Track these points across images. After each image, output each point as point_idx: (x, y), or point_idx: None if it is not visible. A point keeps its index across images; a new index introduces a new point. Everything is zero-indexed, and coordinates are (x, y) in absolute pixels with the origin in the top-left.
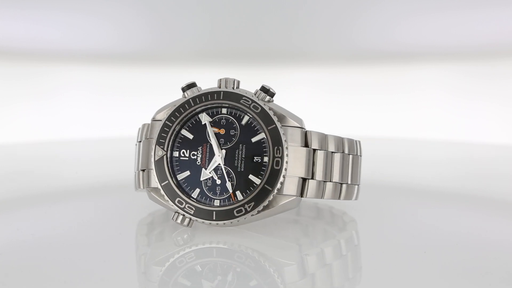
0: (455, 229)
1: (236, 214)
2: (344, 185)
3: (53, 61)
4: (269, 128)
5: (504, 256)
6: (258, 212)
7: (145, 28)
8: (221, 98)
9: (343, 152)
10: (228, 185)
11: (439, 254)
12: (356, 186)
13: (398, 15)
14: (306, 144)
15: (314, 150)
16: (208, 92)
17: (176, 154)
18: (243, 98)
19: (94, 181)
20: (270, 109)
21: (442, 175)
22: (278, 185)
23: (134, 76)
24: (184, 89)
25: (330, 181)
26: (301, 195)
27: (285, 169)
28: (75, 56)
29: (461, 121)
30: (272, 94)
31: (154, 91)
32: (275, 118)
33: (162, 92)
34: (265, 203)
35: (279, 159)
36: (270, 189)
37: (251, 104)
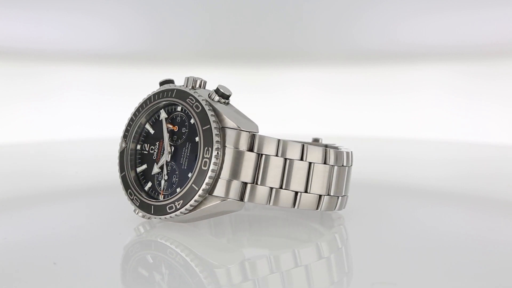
0: (454, 229)
1: (168, 211)
2: (307, 195)
3: (53, 61)
4: (203, 128)
5: (504, 256)
6: (189, 210)
7: (145, 28)
8: (173, 96)
9: (302, 159)
10: (168, 182)
11: (438, 254)
12: (335, 198)
13: (398, 15)
14: (250, 148)
15: (259, 154)
16: (166, 89)
17: (139, 147)
18: (189, 97)
19: (94, 181)
20: (212, 110)
21: (442, 175)
22: (204, 186)
23: (134, 76)
24: (160, 84)
25: (278, 188)
26: (242, 199)
27: (213, 170)
28: (75, 56)
29: (461, 121)
30: (224, 96)
31: None
32: (212, 119)
33: None
34: (192, 202)
35: (207, 160)
36: (196, 189)
37: (194, 104)
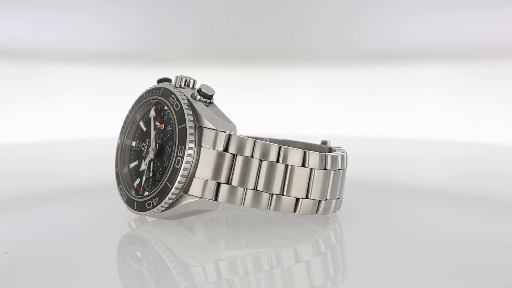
0: (454, 229)
1: (147, 207)
2: (284, 197)
3: (53, 61)
4: (179, 127)
5: (503, 256)
6: (165, 208)
7: (145, 28)
8: (159, 94)
9: (278, 161)
10: (152, 179)
11: (437, 254)
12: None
13: (398, 15)
14: (226, 149)
15: (234, 155)
16: (155, 87)
17: (133, 144)
18: (171, 96)
19: (94, 181)
20: (190, 109)
21: (442, 175)
22: (177, 184)
23: (134, 76)
24: (157, 82)
25: (253, 189)
26: (216, 198)
27: (185, 169)
28: (75, 56)
29: (461, 121)
30: (206, 95)
31: None
32: (188, 118)
33: None
34: (167, 200)
35: (180, 158)
36: (170, 186)
37: (174, 102)
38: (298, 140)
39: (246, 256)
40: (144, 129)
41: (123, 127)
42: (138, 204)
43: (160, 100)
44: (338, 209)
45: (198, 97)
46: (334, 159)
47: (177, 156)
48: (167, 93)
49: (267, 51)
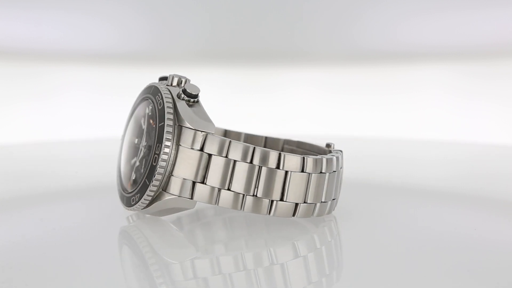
0: (454, 229)
1: (132, 203)
2: (264, 200)
3: (53, 61)
4: (159, 125)
5: (504, 257)
6: (146, 204)
7: (145, 28)
8: (150, 92)
9: (251, 163)
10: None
11: (437, 254)
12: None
13: (398, 15)
14: (202, 148)
15: (210, 155)
16: (150, 85)
17: (136, 141)
18: (157, 94)
19: (94, 181)
20: (173, 108)
21: (442, 175)
22: (154, 181)
23: (134, 76)
24: (159, 79)
25: (228, 190)
26: (192, 197)
27: (161, 167)
28: (75, 56)
29: (461, 121)
30: (192, 95)
31: None
32: (167, 116)
33: None
34: (146, 196)
35: (157, 156)
36: (148, 183)
37: (159, 101)
38: (313, 143)
39: (222, 256)
40: (143, 126)
41: (126, 124)
42: (126, 200)
43: (149, 98)
44: (333, 210)
45: (183, 96)
46: (318, 162)
47: (154, 153)
48: (156, 92)
49: (267, 51)
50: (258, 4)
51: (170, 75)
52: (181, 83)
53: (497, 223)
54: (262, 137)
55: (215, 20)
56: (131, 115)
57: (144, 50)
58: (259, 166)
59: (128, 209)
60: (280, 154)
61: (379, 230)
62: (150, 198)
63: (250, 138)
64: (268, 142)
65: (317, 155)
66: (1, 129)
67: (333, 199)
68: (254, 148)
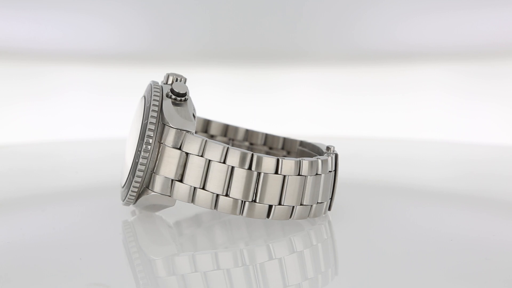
0: (454, 231)
1: (123, 197)
2: (246, 203)
3: (53, 61)
4: (143, 123)
5: (504, 257)
6: (132, 199)
7: (145, 28)
8: (147, 90)
9: (224, 163)
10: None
11: (436, 254)
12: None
13: (398, 15)
14: (180, 146)
15: (187, 154)
16: (149, 84)
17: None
18: (149, 92)
19: (94, 181)
20: (157, 106)
21: (442, 175)
22: (136, 178)
23: (134, 76)
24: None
25: (204, 189)
26: (171, 195)
27: (141, 164)
28: (75, 56)
29: (461, 121)
30: (178, 94)
31: None
32: (151, 114)
33: None
34: (131, 192)
35: (139, 153)
36: (131, 179)
37: (148, 99)
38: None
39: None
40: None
41: None
42: (121, 194)
43: (145, 96)
44: (324, 213)
45: (170, 94)
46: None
47: (137, 150)
48: (149, 90)
49: (267, 51)
50: (258, 4)
51: (167, 74)
52: (173, 81)
53: (497, 223)
54: (263, 134)
55: (215, 20)
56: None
57: (144, 50)
58: (232, 167)
59: (122, 204)
60: (253, 155)
61: (379, 230)
62: (134, 194)
63: (251, 134)
64: (268, 139)
65: (297, 158)
66: (1, 129)
67: (319, 203)
68: (228, 148)
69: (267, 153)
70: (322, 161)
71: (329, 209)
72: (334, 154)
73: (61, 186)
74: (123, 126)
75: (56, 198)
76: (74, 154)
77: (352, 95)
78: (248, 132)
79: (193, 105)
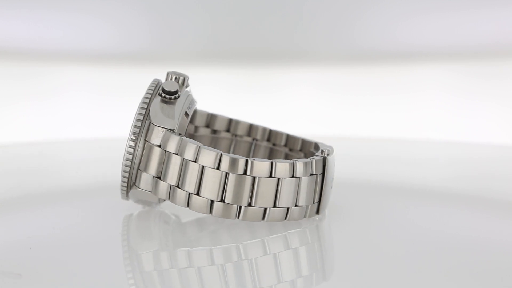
0: (454, 231)
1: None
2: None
3: (53, 61)
4: (133, 119)
5: (504, 257)
6: (126, 194)
7: (145, 28)
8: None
9: (195, 161)
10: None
11: (436, 254)
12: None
13: (398, 15)
14: (162, 145)
15: (168, 152)
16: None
17: None
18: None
19: (94, 181)
20: (146, 103)
21: (442, 175)
22: (123, 173)
23: (134, 76)
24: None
25: (180, 188)
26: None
27: (127, 159)
28: (75, 56)
29: (461, 121)
30: (168, 92)
31: None
32: (139, 111)
33: None
34: (122, 187)
35: (128, 149)
36: (121, 175)
37: (144, 98)
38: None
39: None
40: None
41: None
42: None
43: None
44: (318, 213)
45: (160, 92)
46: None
47: (126, 148)
48: (147, 89)
49: (267, 51)
50: (258, 4)
51: (169, 72)
52: (177, 80)
53: (497, 223)
54: (266, 129)
55: (216, 20)
56: None
57: (144, 50)
58: (202, 166)
59: (121, 198)
60: (222, 155)
61: (379, 230)
62: (125, 189)
63: (253, 128)
64: (272, 134)
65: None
66: (1, 129)
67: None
68: (200, 147)
69: (271, 150)
70: (305, 163)
71: (318, 212)
72: (323, 157)
73: (61, 186)
74: (123, 126)
75: (56, 198)
76: (74, 154)
77: (352, 95)
78: (268, 131)
79: (191, 102)
